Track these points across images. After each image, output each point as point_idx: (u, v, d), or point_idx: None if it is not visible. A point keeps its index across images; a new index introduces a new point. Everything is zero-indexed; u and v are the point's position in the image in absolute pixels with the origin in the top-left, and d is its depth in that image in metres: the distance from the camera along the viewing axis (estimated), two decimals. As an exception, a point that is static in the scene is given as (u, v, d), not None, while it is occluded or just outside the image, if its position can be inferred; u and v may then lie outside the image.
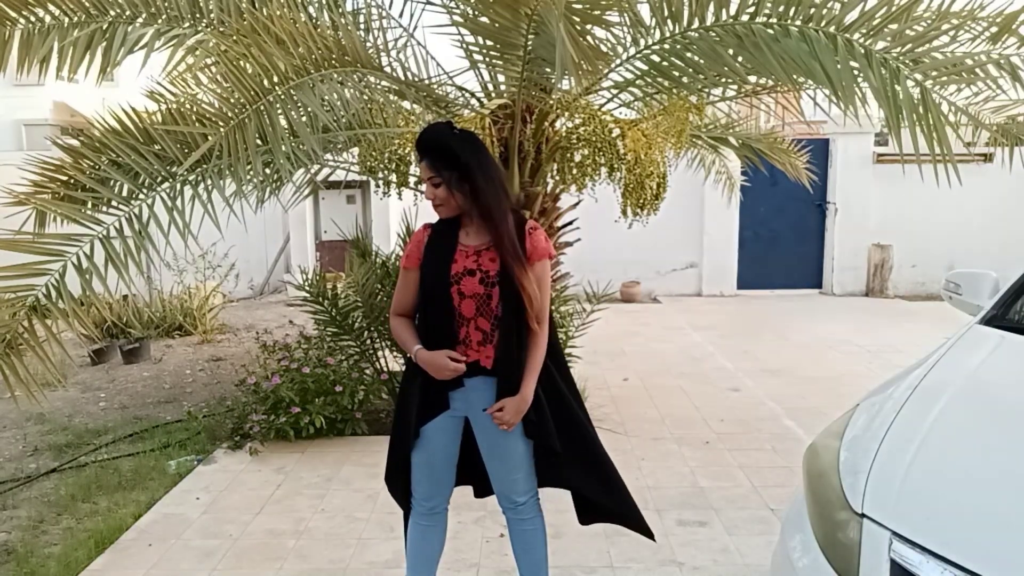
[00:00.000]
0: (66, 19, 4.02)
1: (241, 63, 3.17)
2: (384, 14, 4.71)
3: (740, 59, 3.57)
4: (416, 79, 4.76)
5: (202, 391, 5.91)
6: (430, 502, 2.37)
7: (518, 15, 3.64)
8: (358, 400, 4.58)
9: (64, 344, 3.36)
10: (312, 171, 5.13)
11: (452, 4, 4.40)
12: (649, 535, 2.44)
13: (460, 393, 2.24)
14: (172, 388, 6.02)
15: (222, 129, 3.06)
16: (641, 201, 4.66)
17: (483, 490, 2.50)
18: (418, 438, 2.27)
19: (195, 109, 3.34)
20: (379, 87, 4.30)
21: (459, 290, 2.17)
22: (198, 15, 4.16)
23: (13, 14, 3.94)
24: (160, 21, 4.13)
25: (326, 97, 3.47)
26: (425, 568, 2.44)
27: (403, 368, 2.47)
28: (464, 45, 4.51)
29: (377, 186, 4.94)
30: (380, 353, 4.89)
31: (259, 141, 3.25)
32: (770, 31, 3.24)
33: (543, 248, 2.22)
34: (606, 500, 2.40)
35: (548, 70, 4.21)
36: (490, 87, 4.81)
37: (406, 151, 4.58)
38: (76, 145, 3.57)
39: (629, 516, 2.43)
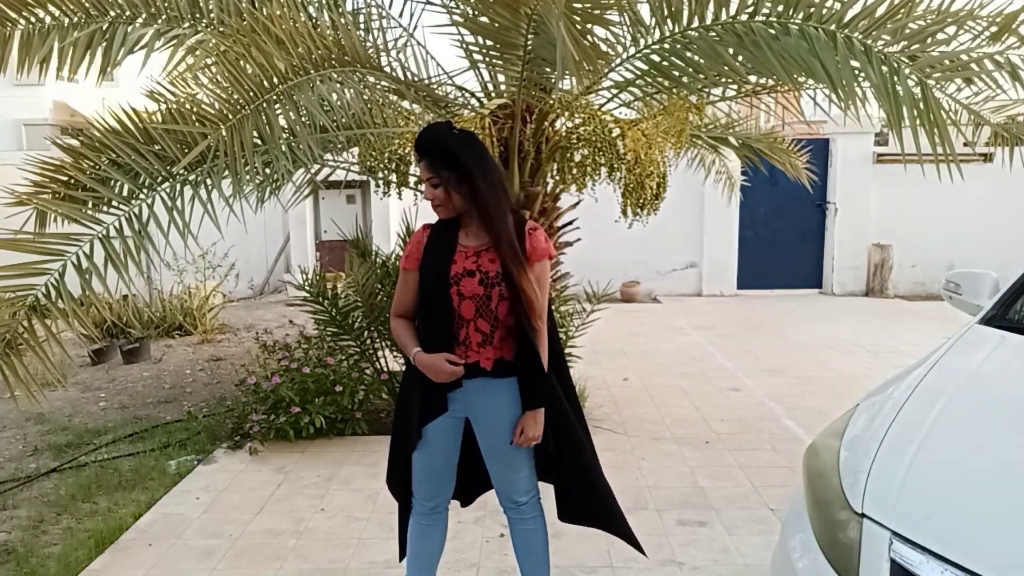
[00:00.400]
0: (66, 19, 4.02)
1: (241, 63, 3.17)
2: (384, 14, 4.71)
3: (740, 58, 3.57)
4: (416, 79, 4.76)
5: (202, 391, 5.91)
6: (431, 502, 2.37)
7: (518, 15, 3.64)
8: (358, 400, 4.57)
9: (64, 344, 3.35)
10: (312, 171, 5.13)
11: (452, 4, 4.40)
12: (637, 547, 2.43)
13: (460, 394, 2.24)
14: (172, 388, 6.02)
15: (222, 129, 3.06)
16: (641, 201, 4.66)
17: (469, 499, 2.54)
18: (420, 439, 2.28)
19: (195, 109, 3.34)
20: (379, 87, 4.30)
21: (459, 291, 2.16)
22: (198, 15, 4.16)
23: (13, 14, 3.94)
24: (160, 21, 4.13)
25: (326, 97, 3.47)
26: (426, 567, 2.44)
27: (403, 368, 2.47)
28: (464, 45, 4.51)
29: (377, 186, 4.94)
30: (380, 353, 4.89)
31: (258, 141, 3.25)
32: (770, 30, 3.24)
33: (543, 249, 2.22)
34: (590, 501, 2.40)
35: (548, 70, 4.21)
36: (490, 87, 4.81)
37: (406, 151, 4.57)
38: (76, 145, 3.57)
39: (612, 522, 2.42)
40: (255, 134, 3.17)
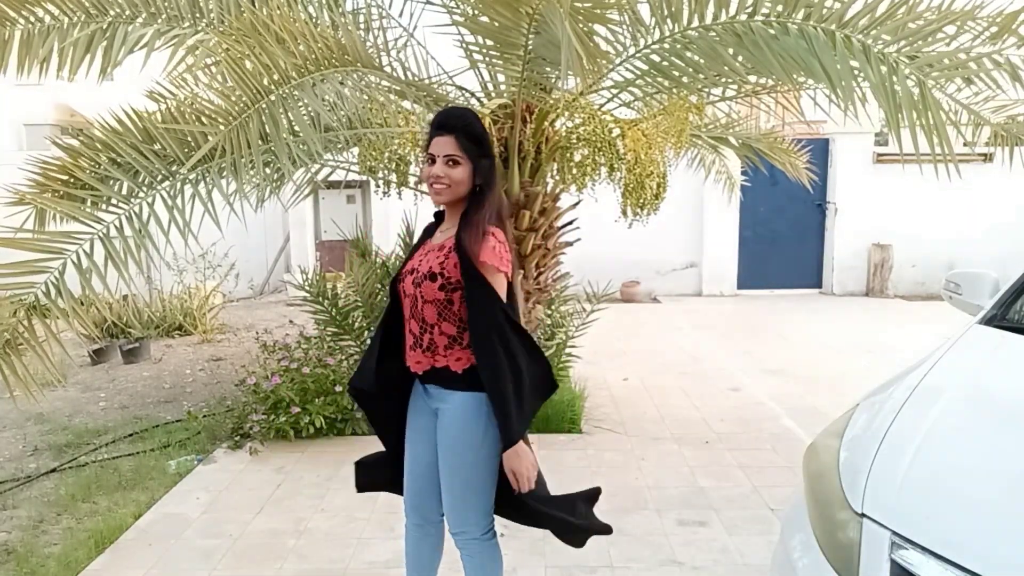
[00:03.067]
0: (66, 19, 4.01)
1: (245, 62, 3.17)
2: (384, 14, 4.71)
3: (740, 58, 3.57)
4: (416, 79, 4.76)
5: (202, 391, 5.91)
6: (416, 515, 2.27)
7: (519, 14, 3.64)
8: (358, 400, 4.57)
9: (64, 344, 3.35)
10: (312, 171, 5.13)
11: (452, 4, 4.40)
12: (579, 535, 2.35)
13: (434, 394, 2.17)
14: (172, 388, 6.02)
15: (223, 128, 3.06)
16: (641, 201, 4.65)
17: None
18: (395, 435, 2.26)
19: (195, 107, 3.34)
20: (379, 87, 4.29)
21: (420, 293, 2.09)
22: (198, 15, 4.16)
23: (13, 14, 3.94)
24: (160, 21, 4.13)
25: (327, 97, 3.47)
26: (422, 574, 2.40)
27: None
28: (464, 45, 4.50)
29: (377, 186, 4.94)
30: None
31: (259, 140, 3.25)
32: (770, 30, 3.24)
33: (490, 253, 2.02)
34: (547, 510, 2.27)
35: (548, 69, 4.21)
36: (490, 87, 4.81)
37: (406, 151, 4.57)
38: (76, 145, 3.56)
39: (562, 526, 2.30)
40: (263, 130, 3.17)
